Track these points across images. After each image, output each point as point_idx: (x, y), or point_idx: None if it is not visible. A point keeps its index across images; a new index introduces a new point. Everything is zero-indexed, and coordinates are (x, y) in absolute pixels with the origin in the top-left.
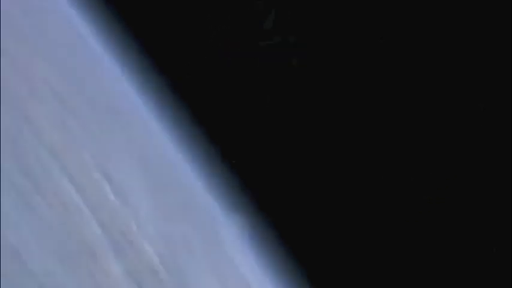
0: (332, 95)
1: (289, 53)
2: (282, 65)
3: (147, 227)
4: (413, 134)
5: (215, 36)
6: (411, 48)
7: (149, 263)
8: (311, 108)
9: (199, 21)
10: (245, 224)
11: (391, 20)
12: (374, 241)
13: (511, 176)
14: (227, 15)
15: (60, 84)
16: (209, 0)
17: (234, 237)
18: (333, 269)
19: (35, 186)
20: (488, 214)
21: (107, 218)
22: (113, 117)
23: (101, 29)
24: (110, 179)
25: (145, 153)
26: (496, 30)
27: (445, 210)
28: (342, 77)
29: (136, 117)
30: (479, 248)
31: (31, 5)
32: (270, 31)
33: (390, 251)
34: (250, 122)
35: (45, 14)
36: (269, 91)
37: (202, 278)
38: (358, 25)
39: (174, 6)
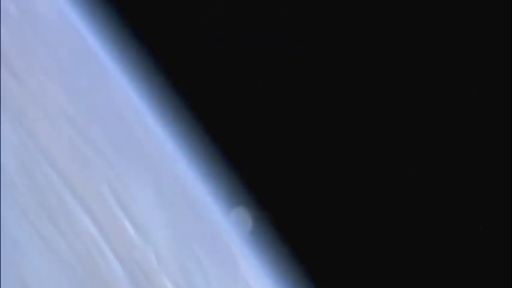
0: (332, 90)
1: (288, 50)
2: (282, 64)
3: (167, 262)
4: (412, 133)
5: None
6: (410, 45)
7: None
8: (313, 105)
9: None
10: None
11: (390, 16)
12: (375, 237)
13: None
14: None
15: (76, 111)
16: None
17: (254, 271)
18: (335, 269)
19: (51, 220)
20: (488, 214)
21: (126, 255)
22: (130, 144)
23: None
24: (129, 213)
25: (163, 182)
26: (496, 30)
27: (445, 210)
28: (340, 71)
29: (153, 143)
30: (480, 247)
31: (42, 24)
32: (269, 28)
33: (390, 248)
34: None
35: (58, 32)
36: (273, 91)
37: None
38: (355, 19)
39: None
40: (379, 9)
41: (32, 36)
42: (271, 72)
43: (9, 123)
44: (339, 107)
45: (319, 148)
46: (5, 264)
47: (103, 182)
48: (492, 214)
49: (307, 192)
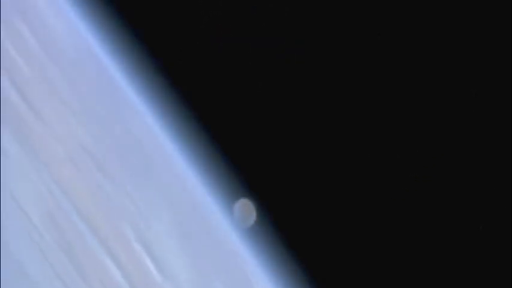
0: (332, 89)
1: (288, 50)
2: (282, 64)
3: None
4: (412, 133)
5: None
6: (410, 45)
7: None
8: (314, 104)
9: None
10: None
11: (390, 16)
12: (375, 237)
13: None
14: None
15: (95, 145)
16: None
17: None
18: (337, 270)
19: (71, 260)
20: (488, 214)
21: None
22: (150, 177)
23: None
24: (150, 250)
25: (183, 215)
26: (496, 30)
27: (445, 210)
28: (340, 71)
29: (173, 174)
30: (480, 247)
31: (61, 54)
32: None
33: (390, 248)
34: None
35: (76, 61)
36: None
37: None
38: (355, 19)
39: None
40: (379, 9)
41: (51, 68)
42: (271, 72)
43: (27, 157)
44: (339, 106)
45: (319, 148)
46: None
47: (123, 218)
48: (492, 214)
49: (308, 192)
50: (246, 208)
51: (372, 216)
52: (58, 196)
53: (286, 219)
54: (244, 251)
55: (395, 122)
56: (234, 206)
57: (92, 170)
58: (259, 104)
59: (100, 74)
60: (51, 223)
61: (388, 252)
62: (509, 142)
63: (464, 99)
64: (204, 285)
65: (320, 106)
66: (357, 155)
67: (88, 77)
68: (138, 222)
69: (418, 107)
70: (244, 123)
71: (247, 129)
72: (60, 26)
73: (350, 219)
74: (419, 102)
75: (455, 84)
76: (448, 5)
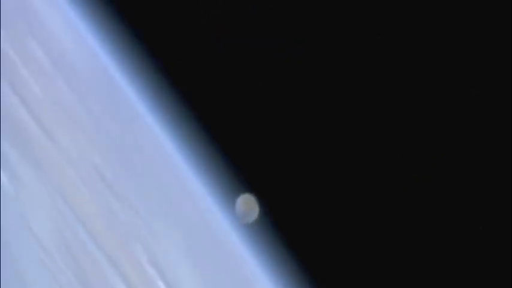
0: (332, 89)
1: (288, 50)
2: (282, 64)
3: None
4: (412, 133)
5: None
6: (410, 45)
7: None
8: (314, 104)
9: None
10: None
11: (390, 16)
12: (375, 237)
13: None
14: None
15: (108, 167)
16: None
17: None
18: (337, 270)
19: (82, 282)
20: (488, 214)
21: None
22: (160, 198)
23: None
24: (162, 273)
25: (196, 238)
26: (496, 30)
27: (445, 210)
28: (340, 71)
29: (185, 196)
30: (480, 247)
31: (74, 74)
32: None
33: (390, 248)
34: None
35: (89, 80)
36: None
37: None
38: (355, 19)
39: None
40: (379, 9)
41: (63, 86)
42: (272, 71)
43: (38, 179)
44: (339, 106)
45: (320, 149)
46: None
47: (135, 240)
48: (492, 214)
49: (310, 189)
50: (249, 203)
51: (373, 216)
52: (69, 218)
53: (289, 215)
54: (257, 270)
55: (395, 122)
56: (236, 201)
57: (103, 191)
58: (261, 101)
59: (112, 92)
60: (62, 245)
61: (388, 252)
62: (509, 142)
63: (464, 99)
64: None
65: (321, 104)
66: (357, 154)
67: (100, 95)
68: (151, 244)
69: (418, 107)
70: (246, 120)
71: (249, 125)
72: (71, 43)
73: (350, 219)
74: (419, 102)
75: (455, 84)
76: (448, 5)
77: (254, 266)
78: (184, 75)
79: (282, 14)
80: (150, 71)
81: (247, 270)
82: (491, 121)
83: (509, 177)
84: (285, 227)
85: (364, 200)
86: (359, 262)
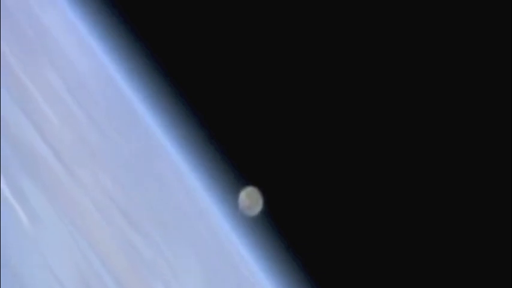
0: (332, 89)
1: (288, 50)
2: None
3: None
4: (412, 133)
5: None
6: (410, 45)
7: None
8: (314, 104)
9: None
10: None
11: (390, 16)
12: (375, 237)
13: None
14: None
15: (126, 201)
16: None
17: None
18: (337, 270)
19: None
20: (488, 214)
21: None
22: (181, 229)
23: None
24: None
25: (215, 271)
26: (496, 30)
27: (445, 210)
28: (340, 70)
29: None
30: (480, 247)
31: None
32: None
33: (390, 249)
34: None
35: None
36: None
37: None
38: (355, 19)
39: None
40: (379, 9)
41: (80, 115)
42: (272, 72)
43: (56, 212)
44: (339, 106)
45: (320, 149)
46: None
47: (154, 274)
48: (492, 214)
49: (313, 184)
50: (253, 196)
51: (373, 216)
52: (86, 251)
53: (292, 209)
54: None
55: (395, 122)
56: (240, 194)
57: (121, 224)
58: (266, 96)
59: (131, 121)
60: (79, 279)
61: (388, 252)
62: (510, 142)
63: (465, 99)
64: None
65: (324, 100)
66: (358, 153)
67: (118, 125)
68: (169, 278)
69: (418, 107)
70: (249, 117)
71: (251, 122)
72: (89, 72)
73: (350, 219)
74: (419, 103)
75: (455, 84)
76: (448, 5)
77: None
78: (197, 94)
79: (282, 14)
80: (168, 97)
81: None
82: (491, 121)
83: (510, 177)
84: (288, 223)
85: (365, 199)
86: (361, 260)
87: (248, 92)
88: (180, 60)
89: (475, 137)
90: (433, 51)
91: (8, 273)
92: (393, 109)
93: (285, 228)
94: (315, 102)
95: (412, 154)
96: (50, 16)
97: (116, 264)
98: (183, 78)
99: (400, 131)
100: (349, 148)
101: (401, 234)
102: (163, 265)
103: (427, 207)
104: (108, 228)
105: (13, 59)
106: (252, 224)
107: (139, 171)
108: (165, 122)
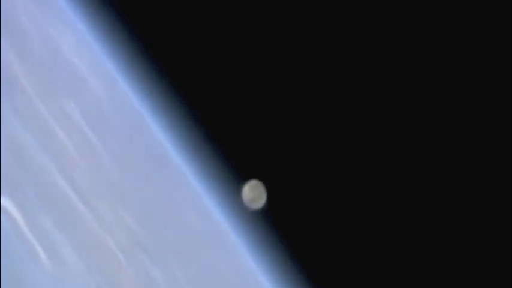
0: (332, 89)
1: (288, 50)
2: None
3: None
4: (412, 133)
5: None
6: (410, 45)
7: None
8: (314, 104)
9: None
10: None
11: (390, 15)
12: (375, 237)
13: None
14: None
15: (145, 234)
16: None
17: None
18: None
19: None
20: (488, 214)
21: None
22: (201, 266)
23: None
24: None
25: None
26: (496, 30)
27: (445, 210)
28: (340, 71)
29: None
30: (480, 248)
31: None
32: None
33: (389, 249)
34: None
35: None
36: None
37: None
38: (355, 19)
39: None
40: (379, 9)
41: (99, 148)
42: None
43: (79, 254)
44: (343, 100)
45: (320, 149)
46: None
47: None
48: (492, 214)
49: (313, 187)
50: (256, 189)
51: (373, 216)
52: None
53: (295, 203)
54: None
55: (395, 122)
56: (244, 187)
57: (141, 258)
58: (269, 91)
59: (152, 155)
60: None
61: (388, 253)
62: (510, 142)
63: (465, 99)
64: None
65: (327, 95)
66: (362, 149)
67: (137, 157)
68: None
69: (418, 107)
70: (252, 111)
71: (254, 117)
72: (109, 103)
73: (350, 220)
74: (419, 102)
75: (455, 84)
76: (448, 5)
77: None
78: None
79: (281, 14)
80: (190, 130)
81: None
82: (491, 121)
83: (510, 177)
84: (292, 218)
85: (364, 199)
86: (359, 262)
87: (254, 86)
88: (191, 80)
89: (475, 137)
90: (433, 51)
91: None
92: (394, 102)
93: (288, 222)
94: (320, 95)
95: (415, 149)
96: (67, 42)
97: None
98: (186, 83)
99: (402, 124)
100: (354, 144)
101: (404, 233)
102: None
103: (429, 207)
104: (127, 265)
105: (29, 87)
106: (255, 218)
107: (158, 204)
108: (186, 153)
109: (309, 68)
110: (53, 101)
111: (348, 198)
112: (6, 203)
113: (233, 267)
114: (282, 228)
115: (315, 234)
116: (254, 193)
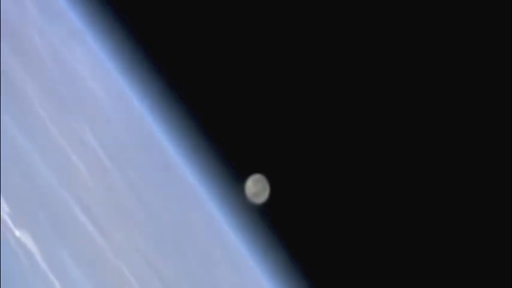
0: (332, 89)
1: (288, 50)
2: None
3: None
4: (412, 133)
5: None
6: (410, 45)
7: None
8: (314, 104)
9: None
10: None
11: (390, 15)
12: (375, 237)
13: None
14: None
15: (161, 262)
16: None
17: None
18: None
19: None
20: (488, 214)
21: None
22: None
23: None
24: None
25: None
26: (496, 30)
27: (445, 210)
28: (340, 71)
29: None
30: (479, 248)
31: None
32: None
33: (389, 249)
34: None
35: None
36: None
37: None
38: (355, 19)
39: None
40: (379, 9)
41: (114, 174)
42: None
43: (89, 277)
44: (342, 101)
45: (323, 143)
46: None
47: None
48: (492, 214)
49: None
50: (259, 183)
51: (374, 213)
52: None
53: (298, 198)
54: None
55: (395, 122)
56: (247, 181)
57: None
58: (273, 87)
59: (168, 180)
60: None
61: (388, 253)
62: (510, 142)
63: (465, 99)
64: None
65: (329, 91)
66: (356, 156)
67: (153, 182)
68: None
69: (418, 107)
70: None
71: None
72: (124, 129)
73: (350, 220)
74: (419, 103)
75: (455, 84)
76: (448, 5)
77: None
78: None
79: (281, 14)
80: (191, 127)
81: None
82: (491, 121)
83: (510, 177)
84: (295, 212)
85: (364, 199)
86: (359, 262)
87: (256, 80)
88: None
89: (475, 137)
90: (433, 51)
91: None
92: (396, 96)
93: (291, 216)
94: (322, 88)
95: (418, 146)
96: (82, 65)
97: None
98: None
99: (403, 118)
100: (357, 138)
101: (406, 232)
102: None
103: (431, 206)
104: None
105: (43, 111)
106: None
107: (177, 233)
108: (188, 149)
109: (310, 61)
110: (69, 128)
111: (351, 193)
112: (22, 236)
113: None
114: (285, 222)
115: (318, 228)
116: (257, 187)
